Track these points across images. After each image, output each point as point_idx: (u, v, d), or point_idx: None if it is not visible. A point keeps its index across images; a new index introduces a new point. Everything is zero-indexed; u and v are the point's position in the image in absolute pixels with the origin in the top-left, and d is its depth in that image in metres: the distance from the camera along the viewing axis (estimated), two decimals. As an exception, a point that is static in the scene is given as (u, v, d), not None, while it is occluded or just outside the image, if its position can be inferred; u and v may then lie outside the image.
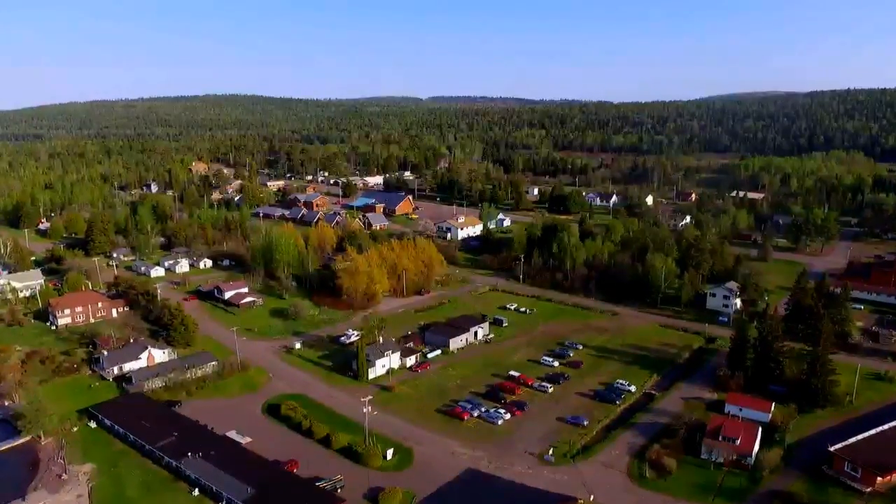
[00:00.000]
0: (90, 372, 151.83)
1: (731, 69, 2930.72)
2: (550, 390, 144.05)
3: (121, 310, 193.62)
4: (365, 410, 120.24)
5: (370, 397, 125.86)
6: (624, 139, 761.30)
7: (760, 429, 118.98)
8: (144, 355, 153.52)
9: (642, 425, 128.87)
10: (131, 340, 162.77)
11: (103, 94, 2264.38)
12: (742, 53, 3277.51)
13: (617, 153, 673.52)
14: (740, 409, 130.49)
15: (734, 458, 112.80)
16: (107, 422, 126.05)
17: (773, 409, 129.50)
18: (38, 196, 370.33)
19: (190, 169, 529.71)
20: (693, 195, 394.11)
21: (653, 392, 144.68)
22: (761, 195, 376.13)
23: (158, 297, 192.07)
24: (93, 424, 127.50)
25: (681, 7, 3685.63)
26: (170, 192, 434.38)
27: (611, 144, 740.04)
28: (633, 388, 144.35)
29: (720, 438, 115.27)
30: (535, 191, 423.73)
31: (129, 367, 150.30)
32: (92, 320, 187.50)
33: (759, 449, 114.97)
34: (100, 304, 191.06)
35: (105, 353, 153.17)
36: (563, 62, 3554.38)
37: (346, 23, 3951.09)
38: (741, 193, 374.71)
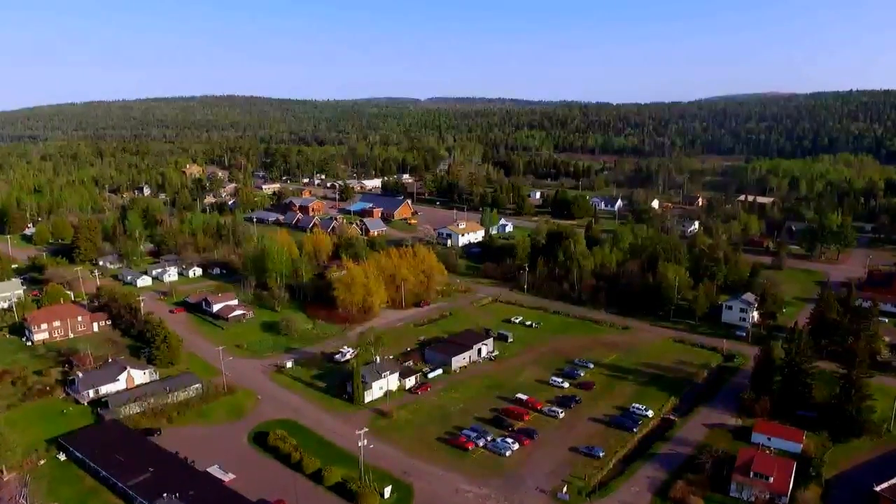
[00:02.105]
0: (64, 395, 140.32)
1: (729, 70, 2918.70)
2: (561, 416, 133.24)
3: (102, 324, 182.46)
4: (360, 444, 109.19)
5: (366, 429, 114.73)
6: (625, 141, 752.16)
7: (795, 464, 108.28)
8: (123, 377, 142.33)
9: (663, 456, 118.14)
10: (109, 360, 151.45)
11: (100, 95, 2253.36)
12: (740, 55, 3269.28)
13: (619, 155, 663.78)
14: (769, 439, 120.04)
15: (767, 497, 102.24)
16: (77, 454, 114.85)
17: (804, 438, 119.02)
18: (24, 199, 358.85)
19: (183, 171, 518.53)
20: (700, 199, 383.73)
21: (672, 417, 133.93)
22: (770, 199, 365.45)
23: (141, 311, 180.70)
24: (62, 457, 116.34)
25: (677, 8, 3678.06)
26: (162, 196, 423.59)
27: (612, 146, 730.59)
28: (650, 413, 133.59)
29: (751, 475, 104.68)
30: (538, 194, 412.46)
31: (105, 389, 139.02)
32: (71, 335, 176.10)
33: (794, 486, 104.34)
34: (79, 318, 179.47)
35: (80, 374, 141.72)
36: (561, 63, 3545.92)
37: (344, 23, 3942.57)
38: (749, 197, 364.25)
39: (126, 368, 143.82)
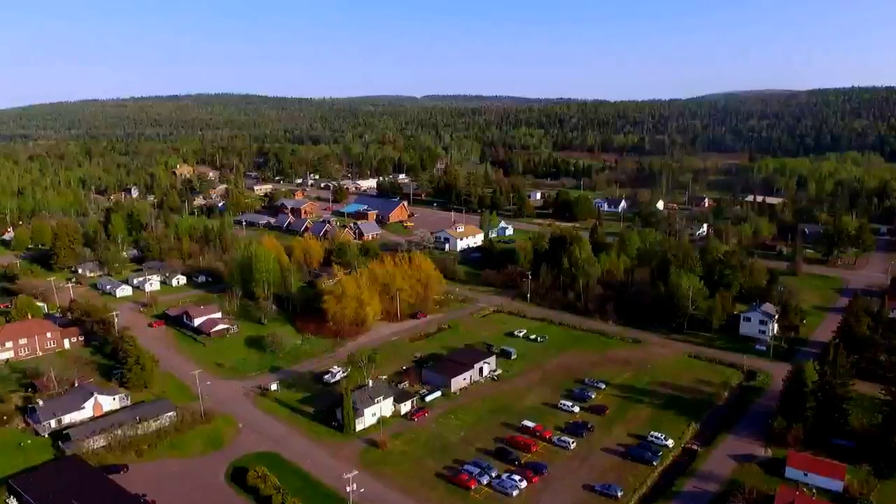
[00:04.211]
0: (23, 425, 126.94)
1: (726, 67, 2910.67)
2: (573, 446, 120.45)
3: (74, 340, 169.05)
4: (349, 489, 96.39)
5: (355, 472, 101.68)
6: (625, 139, 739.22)
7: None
8: (90, 404, 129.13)
9: (687, 495, 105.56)
10: (76, 384, 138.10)
11: (94, 94, 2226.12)
12: (737, 51, 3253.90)
13: (619, 153, 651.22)
14: (805, 474, 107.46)
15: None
16: (29, 499, 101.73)
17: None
18: (4, 202, 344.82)
19: (173, 172, 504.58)
20: (706, 200, 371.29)
21: (694, 447, 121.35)
22: (779, 200, 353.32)
23: (116, 326, 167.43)
24: (13, 502, 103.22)
25: (674, 5, 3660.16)
26: (150, 198, 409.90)
27: (612, 144, 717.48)
28: (670, 443, 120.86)
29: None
30: (538, 195, 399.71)
31: (69, 418, 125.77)
32: (39, 353, 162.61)
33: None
34: (49, 335, 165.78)
35: (40, 401, 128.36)
36: (559, 60, 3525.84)
37: (341, 21, 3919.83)
38: (757, 198, 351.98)
39: (93, 394, 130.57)
